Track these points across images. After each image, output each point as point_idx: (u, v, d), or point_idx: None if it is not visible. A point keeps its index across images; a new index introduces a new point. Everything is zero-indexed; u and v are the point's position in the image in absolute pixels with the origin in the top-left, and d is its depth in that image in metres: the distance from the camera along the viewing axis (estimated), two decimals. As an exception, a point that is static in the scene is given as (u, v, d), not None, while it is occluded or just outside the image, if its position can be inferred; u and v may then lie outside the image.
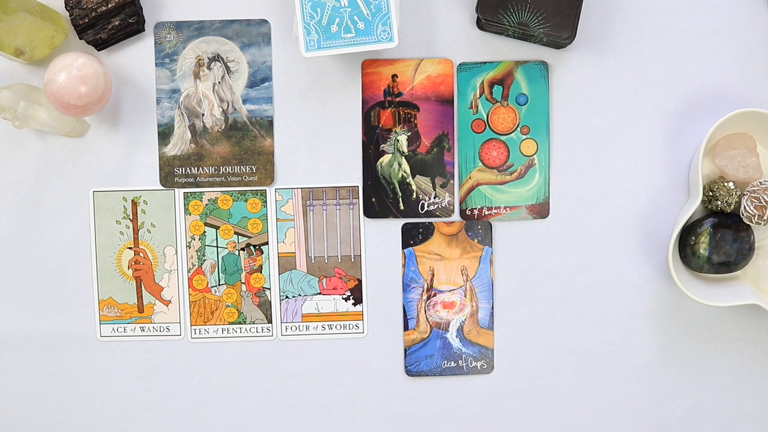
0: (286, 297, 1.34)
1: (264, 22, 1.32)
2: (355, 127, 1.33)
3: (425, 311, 1.34)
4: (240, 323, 1.34)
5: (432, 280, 1.34)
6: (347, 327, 1.35)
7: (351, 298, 1.34)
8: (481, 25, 1.31)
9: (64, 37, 1.30)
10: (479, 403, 1.36)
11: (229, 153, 1.33)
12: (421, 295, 1.34)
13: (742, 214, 1.30)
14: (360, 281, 1.34)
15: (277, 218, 1.34)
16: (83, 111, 1.26)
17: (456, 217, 1.34)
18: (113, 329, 1.34)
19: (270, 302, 1.34)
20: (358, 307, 1.34)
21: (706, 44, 1.32)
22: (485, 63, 1.33)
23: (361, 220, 1.34)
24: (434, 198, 1.33)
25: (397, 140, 1.33)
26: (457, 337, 1.34)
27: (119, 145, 1.33)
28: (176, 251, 1.34)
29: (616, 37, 1.32)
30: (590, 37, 1.33)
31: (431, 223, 1.34)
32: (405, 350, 1.35)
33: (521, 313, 1.35)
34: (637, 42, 1.32)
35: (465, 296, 1.34)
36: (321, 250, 1.34)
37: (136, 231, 1.34)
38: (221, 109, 1.33)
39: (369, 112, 1.33)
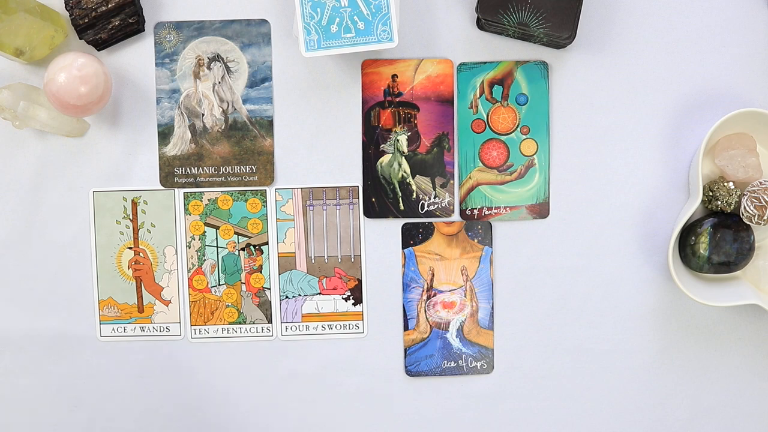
0: (286, 297, 1.34)
1: (264, 22, 1.32)
2: (355, 127, 1.33)
3: (425, 311, 1.34)
4: (240, 323, 1.34)
5: (432, 280, 1.34)
6: (347, 327, 1.35)
7: (351, 298, 1.34)
8: (481, 25, 1.32)
9: (64, 37, 1.30)
10: (479, 403, 1.36)
11: (229, 153, 1.33)
12: (421, 295, 1.34)
13: (742, 214, 1.30)
14: (360, 281, 1.34)
15: (277, 218, 1.34)
16: (83, 111, 1.26)
17: (456, 217, 1.34)
18: (113, 329, 1.34)
19: (270, 302, 1.34)
20: (358, 307, 1.34)
21: (706, 44, 1.33)
22: (485, 63, 1.33)
23: (361, 220, 1.34)
24: (434, 198, 1.34)
25: (397, 140, 1.33)
26: (457, 337, 1.34)
27: (119, 145, 1.33)
28: (176, 251, 1.34)
29: (616, 37, 1.32)
30: (590, 37, 1.33)
31: (431, 223, 1.34)
32: (405, 350, 1.35)
33: (521, 313, 1.35)
34: (637, 42, 1.32)
35: (465, 296, 1.34)
36: (321, 250, 1.34)
37: (136, 231, 1.34)
38: (221, 109, 1.33)
39: (369, 112, 1.33)
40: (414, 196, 1.33)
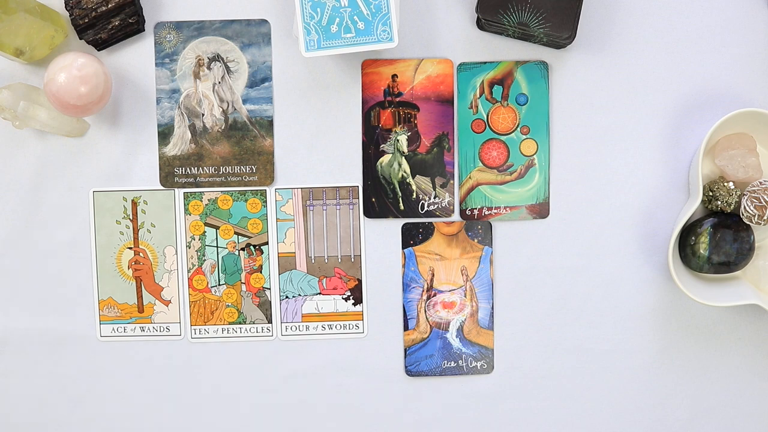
0: (286, 297, 1.34)
1: (264, 22, 1.32)
2: (355, 127, 1.33)
3: (425, 311, 1.34)
4: (240, 323, 1.34)
5: (432, 280, 1.34)
6: (347, 327, 1.35)
7: (351, 298, 1.34)
8: (481, 25, 1.32)
9: (64, 37, 1.30)
10: (479, 403, 1.36)
11: (229, 153, 1.33)
12: (421, 295, 1.34)
13: (742, 214, 1.30)
14: (360, 281, 1.34)
15: (277, 218, 1.34)
16: (83, 111, 1.26)
17: (456, 217, 1.34)
18: (113, 329, 1.34)
19: (270, 302, 1.34)
20: (358, 307, 1.34)
21: (706, 44, 1.33)
22: (485, 63, 1.33)
23: (361, 220, 1.34)
24: (434, 198, 1.33)
25: (397, 140, 1.33)
26: (457, 337, 1.34)
27: (119, 145, 1.33)
28: (176, 251, 1.34)
29: (616, 37, 1.32)
30: (590, 37, 1.33)
31: (431, 223, 1.34)
32: (405, 350, 1.35)
33: (521, 313, 1.35)
34: (637, 42, 1.32)
35: (465, 296, 1.34)
36: (321, 250, 1.34)
37: (136, 231, 1.34)
38: (221, 109, 1.33)
39: (369, 112, 1.33)
40: (414, 196, 1.33)
